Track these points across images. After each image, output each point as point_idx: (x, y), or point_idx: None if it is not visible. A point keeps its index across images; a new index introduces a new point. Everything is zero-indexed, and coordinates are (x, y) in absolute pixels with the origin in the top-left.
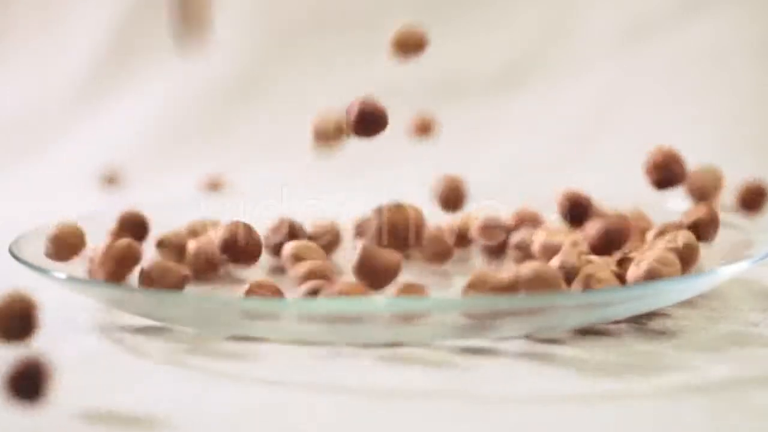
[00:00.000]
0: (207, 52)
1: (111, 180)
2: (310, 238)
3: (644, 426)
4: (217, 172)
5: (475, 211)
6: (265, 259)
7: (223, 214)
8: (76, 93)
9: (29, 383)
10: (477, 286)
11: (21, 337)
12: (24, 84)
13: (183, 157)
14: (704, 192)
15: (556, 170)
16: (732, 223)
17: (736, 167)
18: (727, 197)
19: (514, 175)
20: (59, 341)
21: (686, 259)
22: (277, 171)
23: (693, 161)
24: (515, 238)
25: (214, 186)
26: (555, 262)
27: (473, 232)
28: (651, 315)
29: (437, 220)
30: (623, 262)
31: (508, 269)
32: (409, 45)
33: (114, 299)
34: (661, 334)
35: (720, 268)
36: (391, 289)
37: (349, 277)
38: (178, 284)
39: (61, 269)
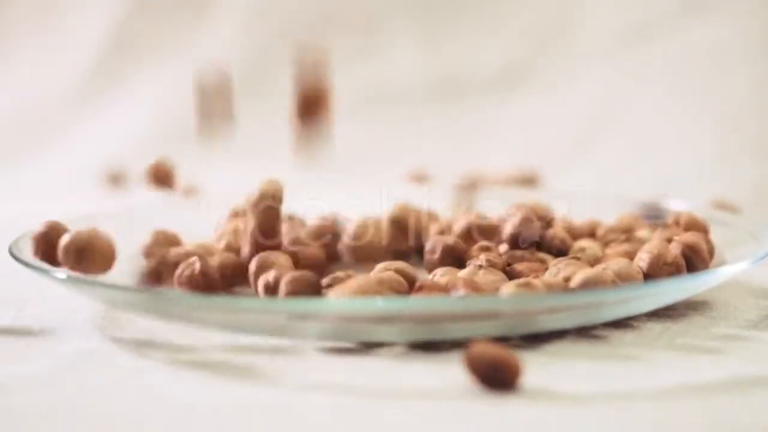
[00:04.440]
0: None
1: (115, 180)
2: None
3: (644, 426)
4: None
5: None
6: None
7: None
8: (76, 93)
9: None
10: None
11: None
12: (24, 84)
13: (183, 157)
14: None
15: (555, 170)
16: (727, 222)
17: (736, 167)
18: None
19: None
20: (59, 341)
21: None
22: (276, 171)
23: (693, 162)
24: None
25: (189, 192)
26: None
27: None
28: (651, 315)
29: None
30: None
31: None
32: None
33: (114, 299)
34: (661, 334)
35: (720, 268)
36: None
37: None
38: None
39: (62, 269)
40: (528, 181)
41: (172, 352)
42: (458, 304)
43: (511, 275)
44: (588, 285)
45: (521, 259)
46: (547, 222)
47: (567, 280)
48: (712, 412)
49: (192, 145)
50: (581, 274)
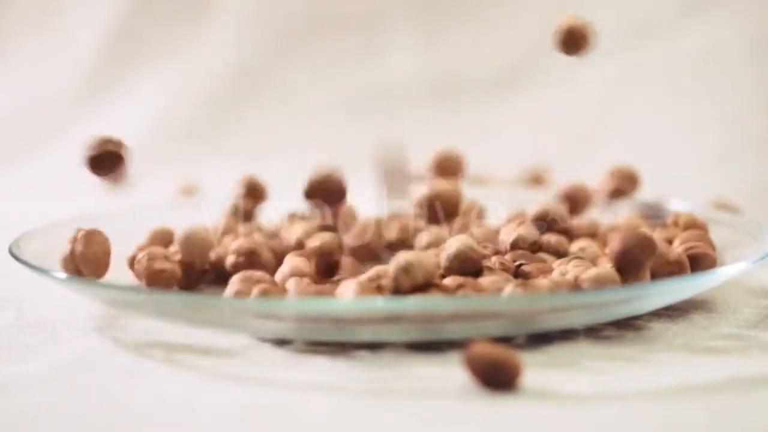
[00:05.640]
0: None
1: (115, 180)
2: None
3: (644, 426)
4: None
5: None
6: None
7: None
8: (76, 93)
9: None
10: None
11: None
12: (24, 84)
13: (182, 157)
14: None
15: (555, 170)
16: (727, 222)
17: (736, 167)
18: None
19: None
20: (59, 341)
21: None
22: (275, 171)
23: (693, 162)
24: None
25: (188, 191)
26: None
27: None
28: (651, 315)
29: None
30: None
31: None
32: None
33: (114, 299)
34: (661, 334)
35: (720, 268)
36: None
37: None
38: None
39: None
40: (536, 180)
41: (172, 352)
42: (458, 304)
43: (519, 276)
44: (598, 284)
45: (527, 259)
46: (548, 222)
47: (577, 279)
48: (712, 412)
49: (190, 146)
50: (590, 273)
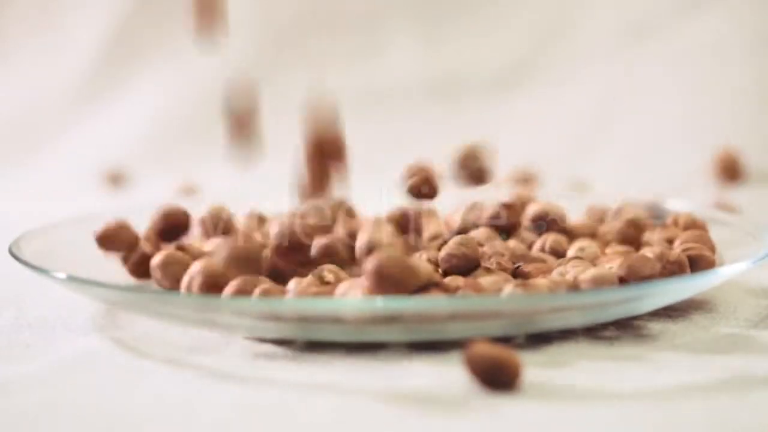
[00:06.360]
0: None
1: (115, 180)
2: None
3: (644, 426)
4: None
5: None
6: None
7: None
8: (76, 93)
9: None
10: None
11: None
12: (24, 84)
13: (182, 157)
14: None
15: (555, 168)
16: (727, 222)
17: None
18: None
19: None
20: (59, 341)
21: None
22: (275, 171)
23: (693, 160)
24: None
25: (188, 191)
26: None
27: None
28: (651, 315)
29: None
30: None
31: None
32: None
33: (114, 299)
34: (661, 334)
35: (720, 268)
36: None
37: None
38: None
39: (62, 269)
40: (524, 180)
41: (172, 352)
42: (458, 304)
43: (518, 276)
44: (597, 284)
45: (527, 260)
46: (548, 222)
47: (576, 279)
48: (712, 412)
49: (190, 146)
50: (589, 273)
